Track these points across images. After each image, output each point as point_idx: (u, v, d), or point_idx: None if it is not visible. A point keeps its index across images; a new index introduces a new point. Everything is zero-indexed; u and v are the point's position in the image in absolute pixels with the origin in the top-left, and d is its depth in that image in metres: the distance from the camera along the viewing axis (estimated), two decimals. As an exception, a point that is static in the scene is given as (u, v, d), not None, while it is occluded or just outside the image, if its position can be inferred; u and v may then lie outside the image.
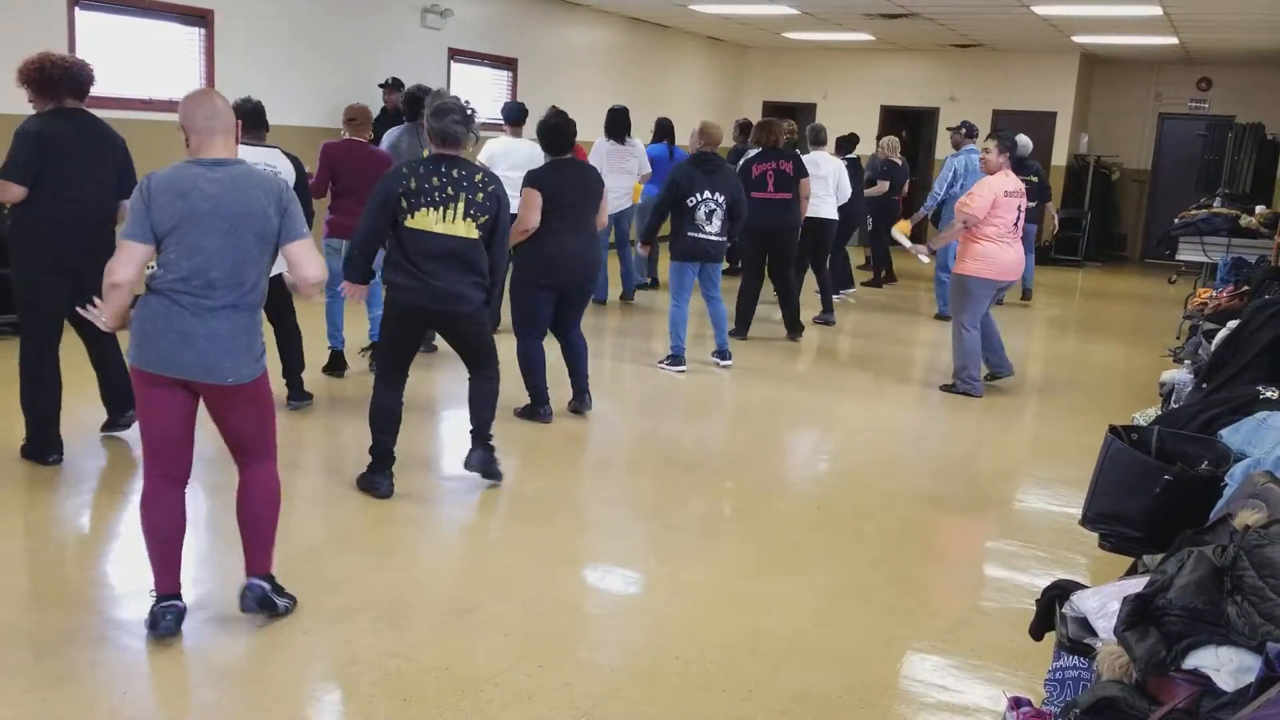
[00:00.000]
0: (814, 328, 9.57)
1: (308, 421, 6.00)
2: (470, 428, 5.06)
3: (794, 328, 8.95)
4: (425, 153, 5.36)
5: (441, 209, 4.55)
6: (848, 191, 10.04)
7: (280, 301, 6.13)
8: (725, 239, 7.47)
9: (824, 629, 3.76)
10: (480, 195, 4.63)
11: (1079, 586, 2.57)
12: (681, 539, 4.67)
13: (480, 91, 11.97)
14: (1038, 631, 2.72)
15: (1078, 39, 14.06)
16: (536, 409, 6.15)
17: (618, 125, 9.55)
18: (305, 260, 3.49)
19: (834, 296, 10.48)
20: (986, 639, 3.73)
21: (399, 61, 10.77)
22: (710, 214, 7.26)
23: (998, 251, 7.07)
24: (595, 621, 3.77)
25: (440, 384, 7.02)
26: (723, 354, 7.79)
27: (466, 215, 4.59)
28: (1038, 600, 2.68)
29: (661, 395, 7.15)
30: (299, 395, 6.19)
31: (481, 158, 7.79)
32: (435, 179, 4.56)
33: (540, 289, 5.95)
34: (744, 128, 11.43)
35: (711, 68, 17.01)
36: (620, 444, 6.04)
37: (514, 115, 8.39)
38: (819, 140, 9.92)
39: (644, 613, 3.90)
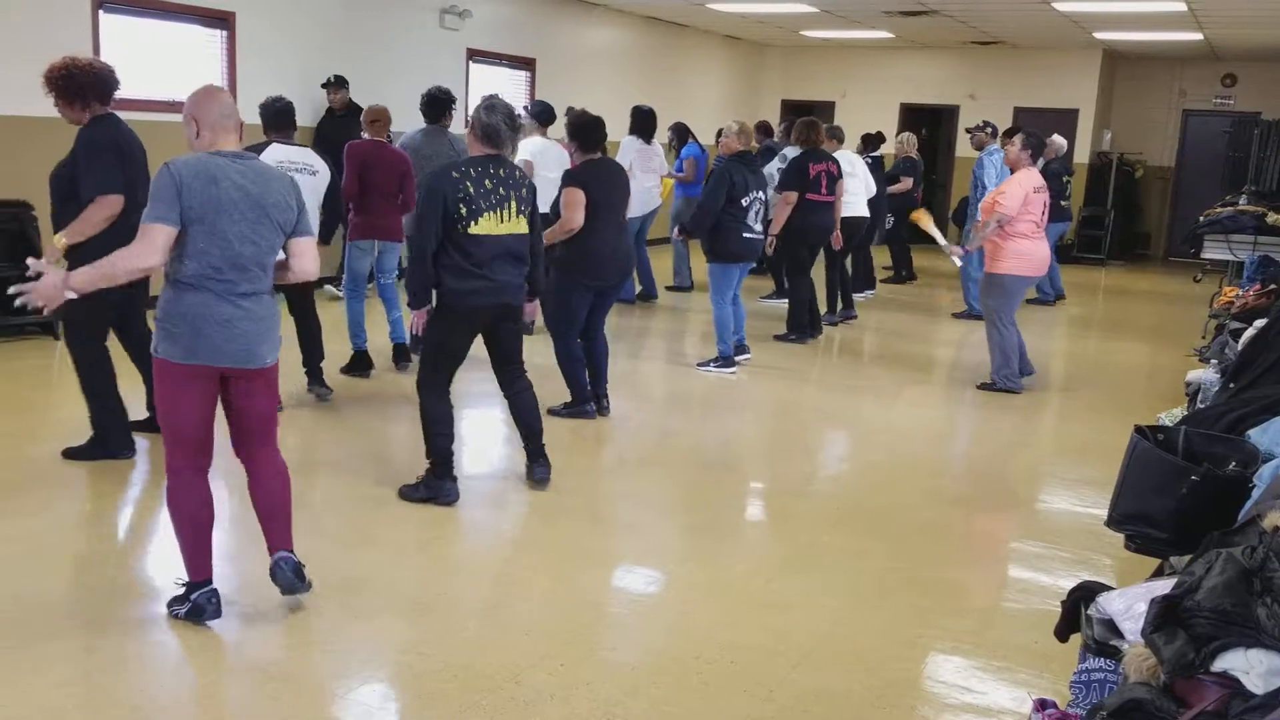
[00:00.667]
0: (834, 326, 9.55)
1: (329, 420, 6.01)
2: (526, 445, 5.02)
3: (816, 326, 8.92)
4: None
5: (499, 210, 4.57)
6: (871, 189, 10.04)
7: (304, 296, 6.18)
8: (763, 237, 7.48)
9: (846, 629, 3.74)
10: (524, 190, 4.71)
11: (1105, 588, 2.55)
12: (702, 538, 4.66)
13: (498, 92, 11.95)
14: (1063, 633, 2.70)
15: (1100, 35, 13.96)
16: (583, 406, 6.16)
17: (647, 125, 9.61)
18: (310, 255, 3.62)
19: (857, 296, 10.52)
20: (1010, 640, 3.71)
21: (418, 62, 10.80)
22: (757, 213, 7.26)
23: (1032, 248, 7.10)
24: (616, 620, 3.76)
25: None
26: (740, 350, 7.73)
27: (519, 212, 4.65)
28: (1063, 602, 2.65)
29: (682, 394, 7.14)
30: (321, 384, 6.26)
31: (524, 157, 7.82)
32: (488, 182, 4.55)
33: (586, 289, 5.96)
34: (763, 129, 11.40)
35: (729, 67, 16.98)
36: (641, 443, 6.03)
37: (546, 116, 8.39)
38: (839, 139, 9.90)
39: (665, 612, 3.89)
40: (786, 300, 9.13)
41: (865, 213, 9.75)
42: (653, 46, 14.85)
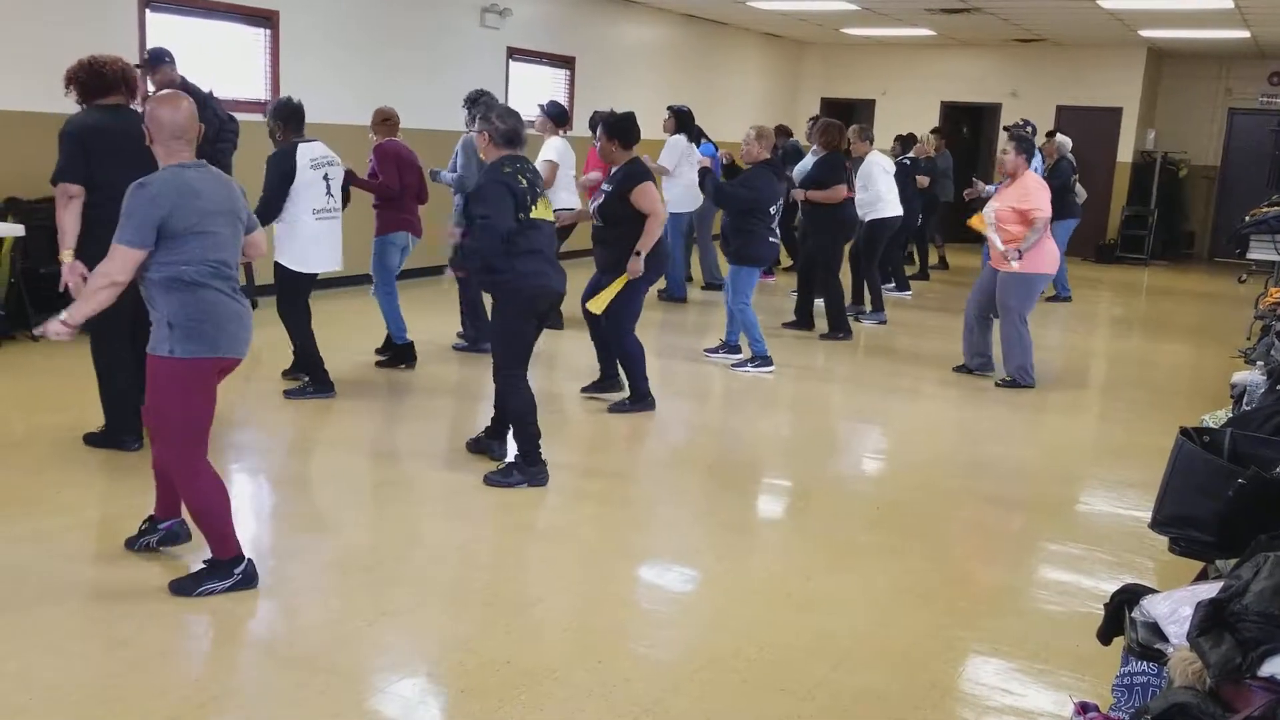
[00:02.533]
0: (871, 328, 9.54)
1: (368, 410, 6.07)
2: (492, 421, 5.31)
3: (844, 327, 8.98)
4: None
5: (540, 200, 4.92)
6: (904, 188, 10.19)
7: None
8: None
9: (885, 629, 3.74)
10: (540, 185, 4.99)
11: (1149, 591, 2.53)
12: (740, 536, 4.67)
13: (539, 90, 12.03)
14: (1106, 636, 2.67)
15: (1145, 33, 13.80)
16: (646, 399, 6.31)
17: (692, 125, 9.82)
18: (263, 242, 3.98)
19: (897, 295, 10.71)
20: (1051, 642, 3.68)
21: (458, 61, 10.87)
22: (778, 219, 7.38)
23: (1051, 245, 7.34)
24: (654, 617, 3.78)
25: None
26: (735, 348, 7.81)
27: (547, 202, 5.03)
28: (1106, 604, 2.63)
29: (715, 393, 7.14)
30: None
31: (550, 156, 8.07)
32: (529, 174, 4.90)
33: (647, 285, 6.19)
34: (782, 131, 11.45)
35: (768, 65, 16.93)
36: (675, 440, 6.04)
37: (562, 115, 8.56)
38: (870, 140, 9.99)
39: (703, 609, 3.90)
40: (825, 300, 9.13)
41: (899, 213, 9.82)
42: (692, 44, 14.84)
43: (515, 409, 4.98)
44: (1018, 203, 7.17)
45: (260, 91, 9.12)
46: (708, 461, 5.66)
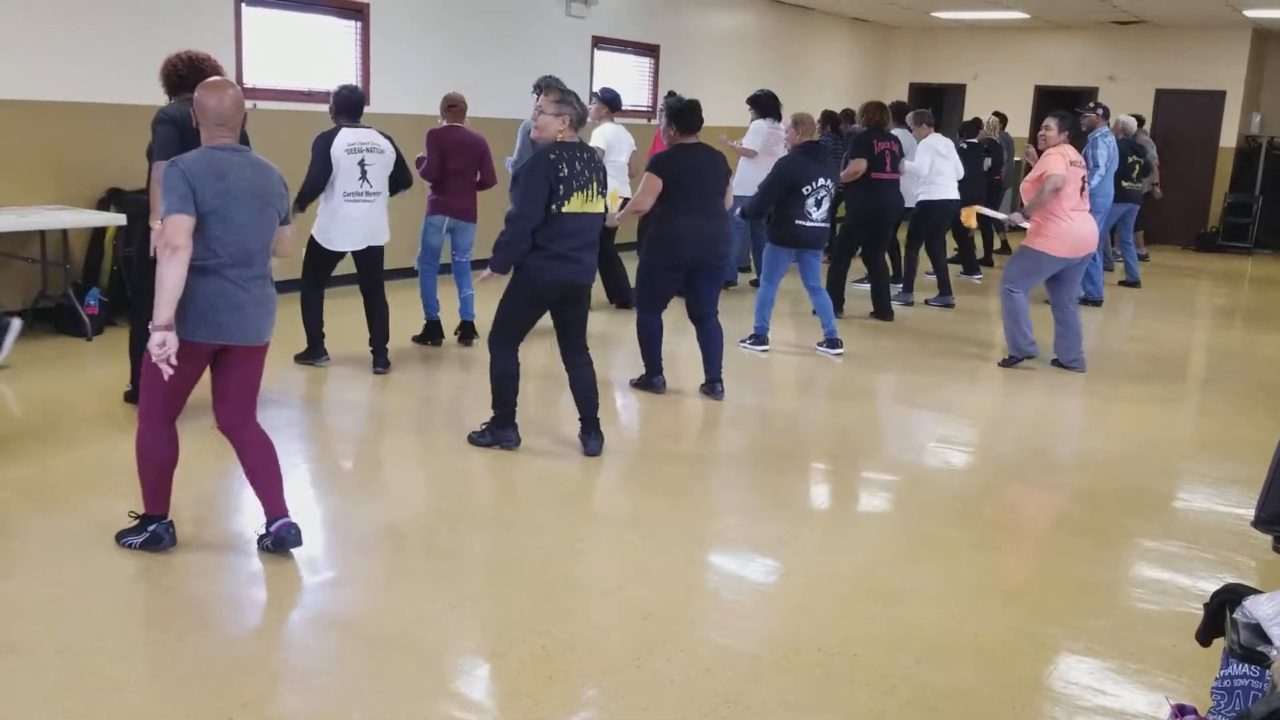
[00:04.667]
0: (919, 309, 9.58)
1: (423, 388, 6.14)
2: (581, 416, 5.25)
3: (887, 309, 9.03)
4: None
5: (585, 191, 4.90)
6: (961, 173, 10.14)
7: (374, 276, 6.60)
8: (828, 225, 7.53)
9: (971, 625, 3.66)
10: (602, 173, 5.03)
11: (1252, 591, 2.44)
12: (820, 527, 4.62)
13: (622, 79, 12.04)
14: (1205, 637, 2.59)
15: (1250, 13, 13.29)
16: (651, 379, 6.39)
17: (774, 106, 9.83)
18: (290, 240, 3.98)
19: (966, 278, 10.98)
20: (1147, 642, 3.57)
21: (544, 50, 10.92)
22: (820, 201, 7.31)
23: (1070, 227, 7.12)
24: (735, 608, 3.76)
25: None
26: (833, 342, 7.70)
27: (600, 193, 5.00)
28: (1206, 604, 2.54)
29: (782, 381, 7.08)
30: (383, 363, 6.62)
31: (599, 143, 8.20)
32: (577, 164, 4.87)
33: (668, 269, 6.13)
34: (829, 119, 11.30)
35: (855, 50, 16.71)
36: (746, 429, 6.00)
37: (616, 102, 8.61)
38: (930, 124, 9.93)
39: (784, 601, 3.87)
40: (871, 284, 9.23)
41: (955, 195, 9.82)
42: (777, 31, 14.70)
43: (496, 375, 5.15)
44: (1037, 172, 7.17)
45: (351, 83, 9.26)
46: (776, 450, 5.60)
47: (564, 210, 4.83)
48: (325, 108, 6.64)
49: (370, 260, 6.59)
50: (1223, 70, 15.16)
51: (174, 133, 4.95)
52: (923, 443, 5.97)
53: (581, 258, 4.99)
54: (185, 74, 5.13)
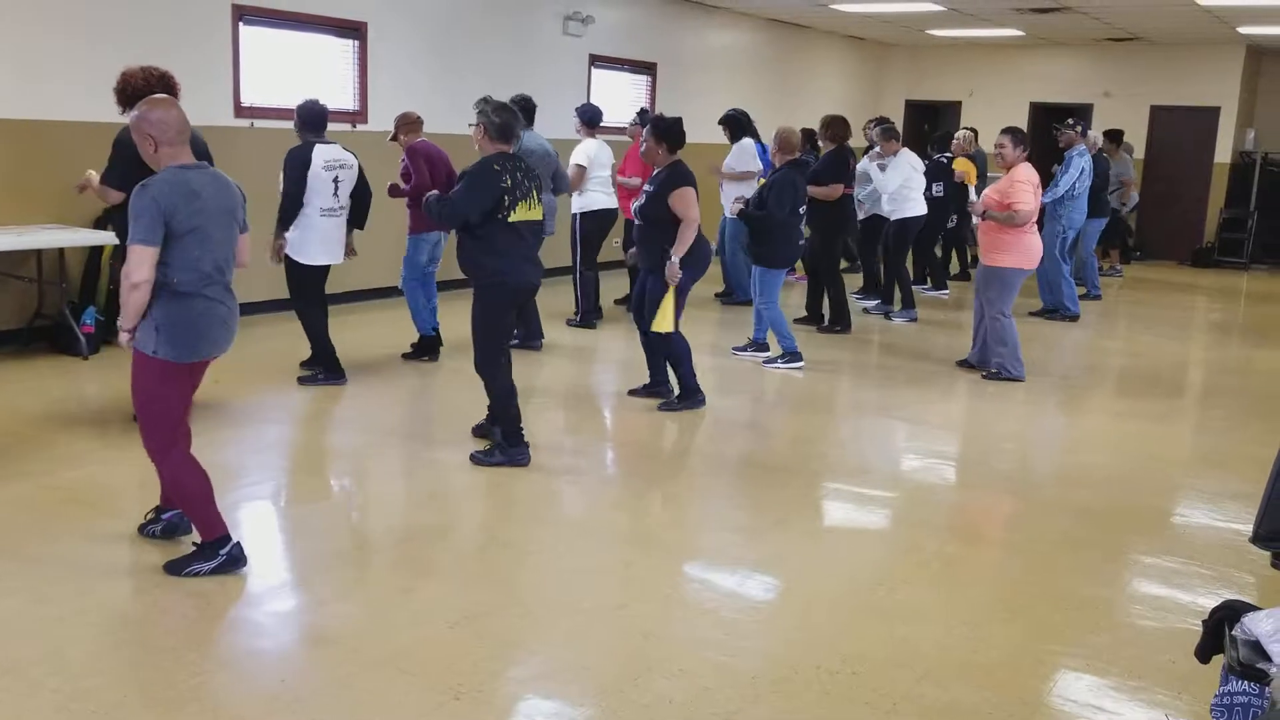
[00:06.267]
0: (901, 326, 9.68)
1: (408, 399, 6.15)
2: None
3: (845, 320, 9.11)
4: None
5: (528, 200, 5.13)
6: (933, 190, 10.32)
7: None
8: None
9: (973, 643, 3.66)
10: (538, 182, 5.25)
11: (1251, 607, 2.44)
12: (821, 545, 4.62)
13: (620, 96, 12.07)
14: (1204, 654, 2.58)
15: (1243, 30, 13.35)
16: (698, 396, 6.41)
17: (750, 124, 9.97)
18: (245, 249, 4.02)
19: (931, 293, 11.17)
20: (1146, 659, 3.57)
21: (541, 68, 10.95)
22: (805, 220, 7.44)
23: (1032, 240, 7.36)
24: (735, 626, 3.74)
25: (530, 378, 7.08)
26: (760, 346, 7.87)
27: (539, 200, 5.23)
28: (1205, 621, 2.54)
29: (762, 392, 7.07)
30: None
31: (579, 160, 8.34)
32: (518, 174, 5.10)
33: (690, 284, 6.28)
34: (808, 136, 11.38)
35: (852, 67, 16.77)
36: (736, 442, 6.00)
37: (596, 118, 8.69)
38: (898, 139, 9.92)
39: (784, 619, 3.86)
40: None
41: (924, 212, 9.92)
42: (774, 48, 14.75)
43: (496, 393, 5.25)
44: (1001, 196, 7.27)
45: (349, 101, 9.30)
46: (774, 465, 5.59)
47: (510, 219, 5.02)
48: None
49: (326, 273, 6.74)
50: (1217, 86, 15.22)
51: (136, 158, 5.00)
52: (921, 459, 5.96)
53: (538, 260, 5.30)
54: (159, 90, 5.16)
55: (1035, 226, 7.39)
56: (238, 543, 3.91)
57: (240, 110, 8.42)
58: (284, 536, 4.50)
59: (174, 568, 3.88)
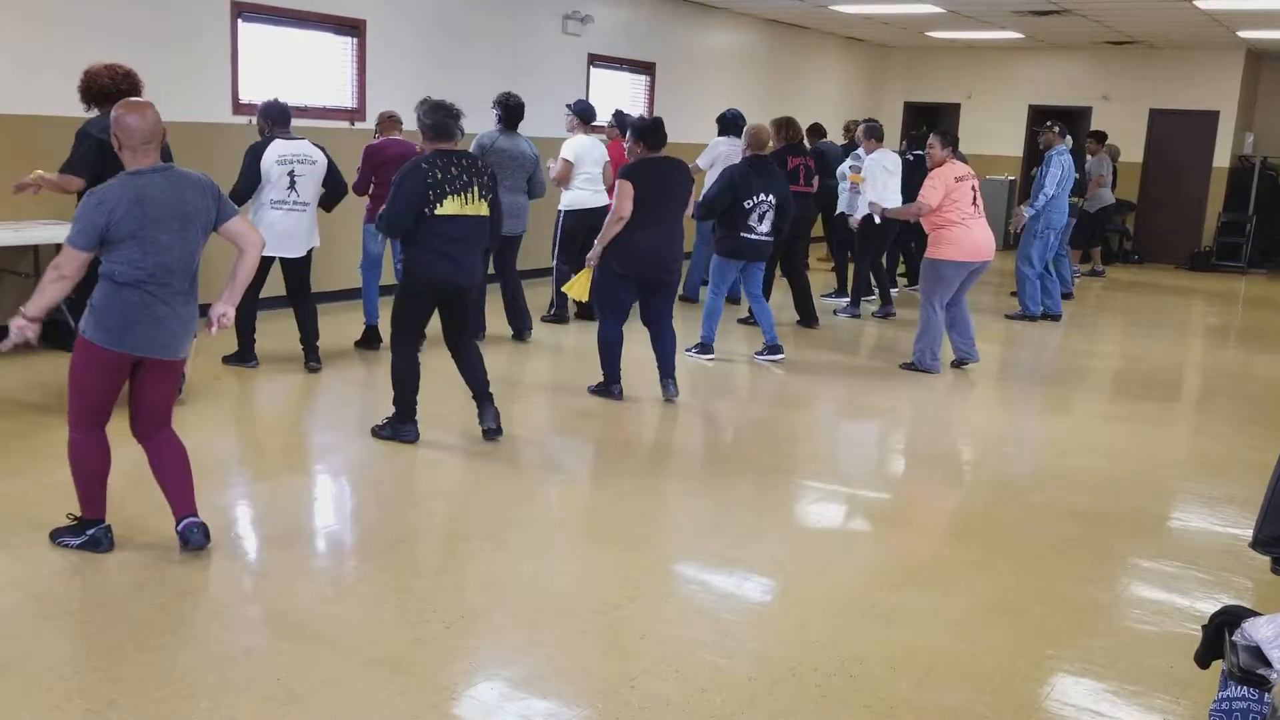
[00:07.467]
0: (888, 323, 9.69)
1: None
2: (474, 394, 5.54)
3: (812, 317, 9.20)
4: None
5: (464, 194, 5.19)
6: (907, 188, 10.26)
7: (302, 282, 6.83)
8: (772, 239, 7.62)
9: (969, 646, 3.64)
10: (485, 178, 5.30)
11: (1251, 613, 2.43)
12: (818, 547, 4.60)
13: (618, 96, 12.06)
14: (1204, 659, 2.57)
15: (1243, 34, 13.36)
16: (609, 387, 6.52)
17: (738, 124, 9.87)
18: (246, 230, 4.03)
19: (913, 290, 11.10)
20: (1145, 663, 3.56)
21: (540, 68, 10.94)
22: (763, 215, 7.44)
23: (964, 233, 7.46)
24: (732, 628, 3.73)
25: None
26: (775, 349, 7.86)
27: (482, 196, 5.27)
28: (1204, 626, 2.53)
29: (755, 392, 7.06)
30: (315, 359, 6.91)
31: (568, 155, 8.34)
32: (453, 169, 5.17)
33: (621, 278, 6.29)
34: (816, 131, 11.43)
35: (851, 69, 16.76)
36: (728, 442, 5.99)
37: (589, 114, 8.68)
38: (879, 138, 9.86)
39: (781, 622, 3.85)
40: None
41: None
42: (773, 49, 14.75)
43: (396, 371, 5.40)
44: (922, 192, 7.52)
45: (348, 99, 9.28)
46: (771, 466, 5.58)
47: (437, 213, 5.10)
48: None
49: (297, 267, 6.79)
50: (1216, 90, 15.23)
51: (96, 150, 5.04)
52: (922, 464, 5.95)
53: (461, 259, 5.25)
54: (124, 88, 5.28)
55: (975, 219, 7.45)
56: (108, 527, 4.00)
57: (238, 107, 8.40)
58: (280, 534, 4.48)
59: (53, 535, 4.03)
